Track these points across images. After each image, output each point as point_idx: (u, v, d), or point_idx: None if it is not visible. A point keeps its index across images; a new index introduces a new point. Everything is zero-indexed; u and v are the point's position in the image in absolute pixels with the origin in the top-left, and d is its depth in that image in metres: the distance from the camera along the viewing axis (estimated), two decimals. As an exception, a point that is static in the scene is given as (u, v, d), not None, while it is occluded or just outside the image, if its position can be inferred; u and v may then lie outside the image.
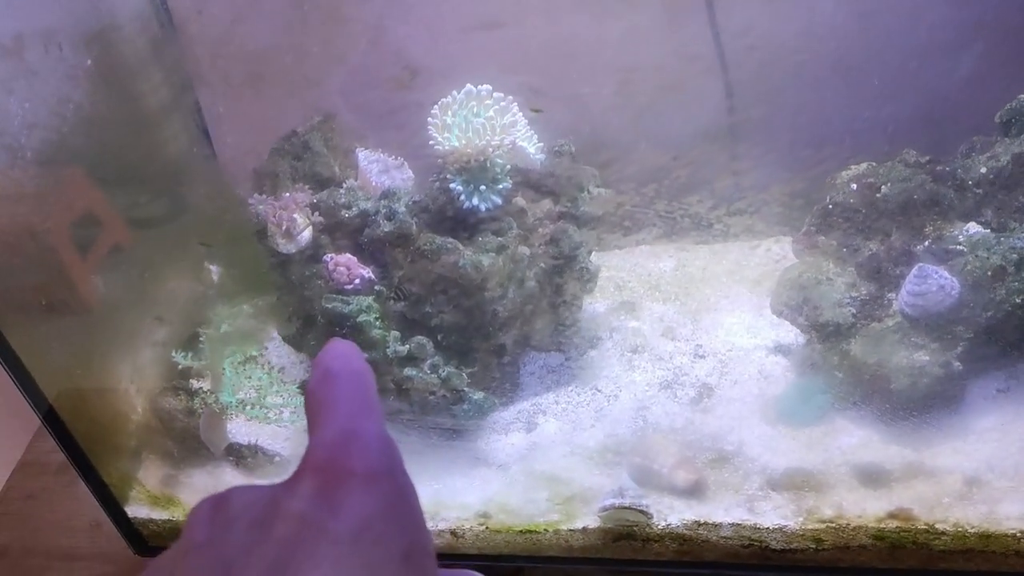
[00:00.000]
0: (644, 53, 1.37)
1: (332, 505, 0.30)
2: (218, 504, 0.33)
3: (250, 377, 1.28)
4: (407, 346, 1.12)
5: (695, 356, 1.29)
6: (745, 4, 1.31)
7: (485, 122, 1.07)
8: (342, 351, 0.36)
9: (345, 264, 1.13)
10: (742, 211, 1.41)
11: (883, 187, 1.18)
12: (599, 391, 1.25)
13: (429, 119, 1.10)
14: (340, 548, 0.28)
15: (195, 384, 1.26)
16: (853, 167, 1.24)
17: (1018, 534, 1.02)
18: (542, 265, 1.19)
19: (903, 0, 1.28)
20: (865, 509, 1.07)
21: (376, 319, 1.11)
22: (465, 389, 1.14)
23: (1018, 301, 1.08)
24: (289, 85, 1.34)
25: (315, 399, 0.34)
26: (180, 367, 1.25)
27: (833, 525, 1.07)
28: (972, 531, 1.03)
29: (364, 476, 0.30)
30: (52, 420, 1.11)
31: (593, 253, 1.27)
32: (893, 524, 1.05)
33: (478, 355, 1.18)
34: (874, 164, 1.23)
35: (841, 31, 1.27)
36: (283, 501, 0.30)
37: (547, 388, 1.26)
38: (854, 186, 1.21)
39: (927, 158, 1.22)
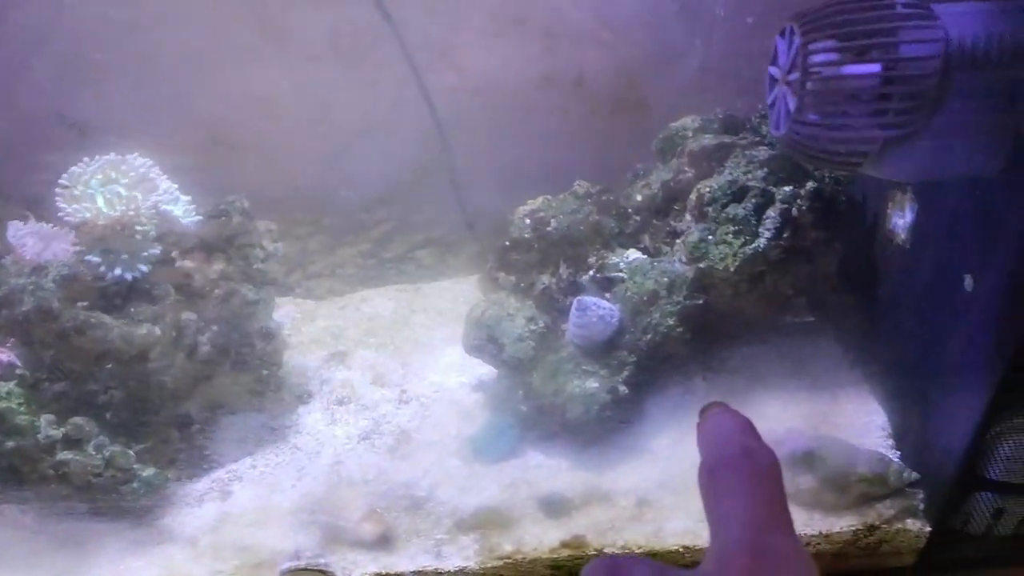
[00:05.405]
0: (335, 100, 1.37)
1: None
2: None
3: None
4: (61, 429, 1.06)
5: (399, 402, 1.28)
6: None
7: (120, 190, 1.03)
8: (738, 441, 0.35)
9: (-21, 352, 1.06)
10: (435, 241, 1.42)
11: (552, 221, 1.22)
12: (299, 449, 1.22)
13: (57, 189, 1.05)
14: None
15: None
16: (530, 202, 1.27)
17: (681, 549, 1.06)
18: (214, 328, 1.15)
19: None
20: (543, 540, 1.08)
21: (19, 405, 1.05)
22: (134, 467, 1.09)
23: (670, 323, 1.13)
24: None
25: (712, 487, 0.34)
26: None
27: (511, 560, 1.07)
28: (639, 551, 1.06)
29: None
30: None
31: (292, 306, 1.25)
32: (566, 552, 1.07)
33: (153, 429, 1.13)
34: (548, 197, 1.26)
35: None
36: None
37: (246, 452, 1.22)
38: (528, 221, 1.24)
39: (598, 187, 1.26)
